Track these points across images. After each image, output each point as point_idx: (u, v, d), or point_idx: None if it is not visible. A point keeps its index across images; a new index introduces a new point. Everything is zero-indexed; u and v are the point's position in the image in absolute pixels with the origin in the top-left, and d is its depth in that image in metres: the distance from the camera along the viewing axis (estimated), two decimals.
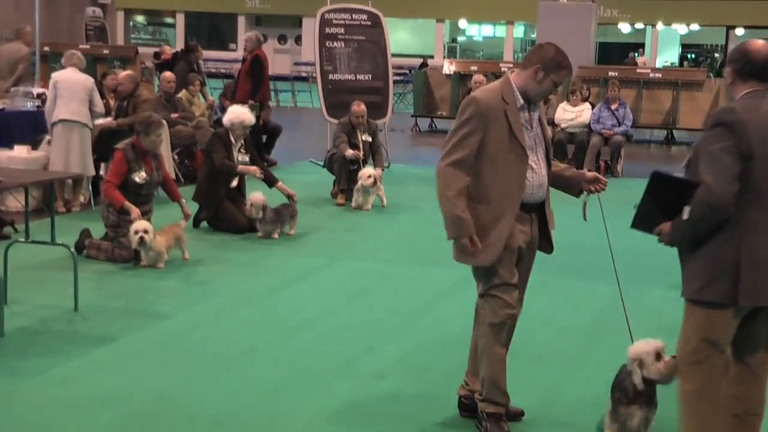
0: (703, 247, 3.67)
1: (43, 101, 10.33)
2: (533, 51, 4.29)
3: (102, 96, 10.71)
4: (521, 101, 4.22)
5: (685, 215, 3.63)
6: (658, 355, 4.07)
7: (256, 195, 8.59)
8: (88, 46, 18.19)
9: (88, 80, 9.61)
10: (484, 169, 4.17)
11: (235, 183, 9.04)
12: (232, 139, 9.00)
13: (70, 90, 9.34)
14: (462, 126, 4.18)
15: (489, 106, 4.15)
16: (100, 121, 10.03)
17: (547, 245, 4.46)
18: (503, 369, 4.32)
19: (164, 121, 8.42)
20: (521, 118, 4.21)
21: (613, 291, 4.52)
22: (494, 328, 4.23)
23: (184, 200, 7.99)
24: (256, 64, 12.99)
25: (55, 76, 9.53)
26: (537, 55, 4.22)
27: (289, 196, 8.94)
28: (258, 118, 13.21)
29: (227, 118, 9.07)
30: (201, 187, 9.06)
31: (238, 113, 9.11)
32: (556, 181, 4.44)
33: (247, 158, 9.11)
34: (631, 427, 4.22)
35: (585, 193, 4.44)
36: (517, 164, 4.19)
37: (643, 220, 3.83)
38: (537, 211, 4.36)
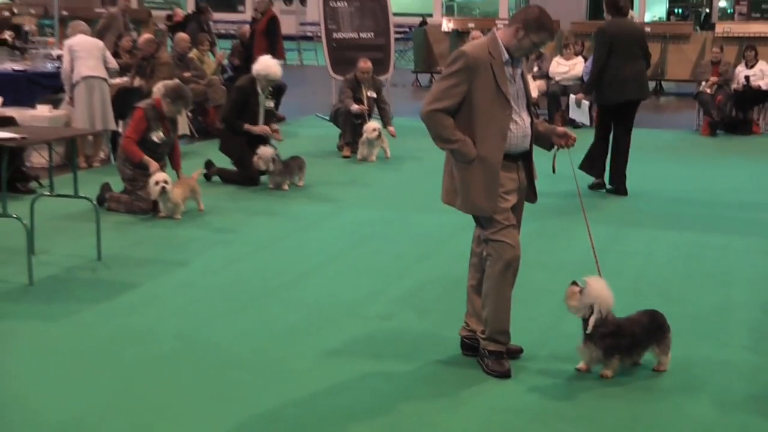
0: None
1: None
2: (519, 11, 4.31)
3: (118, 56, 10.65)
4: (506, 56, 4.21)
5: None
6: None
7: (265, 148, 8.52)
8: (104, 10, 17.99)
9: (99, 42, 9.70)
10: (471, 121, 4.16)
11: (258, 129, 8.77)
12: (259, 89, 8.79)
13: (85, 50, 9.34)
14: (450, 77, 4.17)
15: (477, 60, 4.15)
16: (117, 80, 9.99)
17: (531, 194, 4.47)
18: (508, 310, 4.33)
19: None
20: (506, 72, 4.21)
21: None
22: (501, 270, 4.23)
23: (182, 170, 7.91)
24: (271, 24, 12.84)
25: (68, 42, 9.48)
26: (521, 14, 4.24)
27: (273, 132, 8.84)
28: None
29: (256, 68, 8.73)
30: (224, 138, 8.97)
31: (267, 65, 8.72)
32: None
33: (271, 104, 9.05)
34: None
35: (555, 147, 4.46)
36: (501, 115, 4.18)
37: None
38: (522, 160, 4.36)
